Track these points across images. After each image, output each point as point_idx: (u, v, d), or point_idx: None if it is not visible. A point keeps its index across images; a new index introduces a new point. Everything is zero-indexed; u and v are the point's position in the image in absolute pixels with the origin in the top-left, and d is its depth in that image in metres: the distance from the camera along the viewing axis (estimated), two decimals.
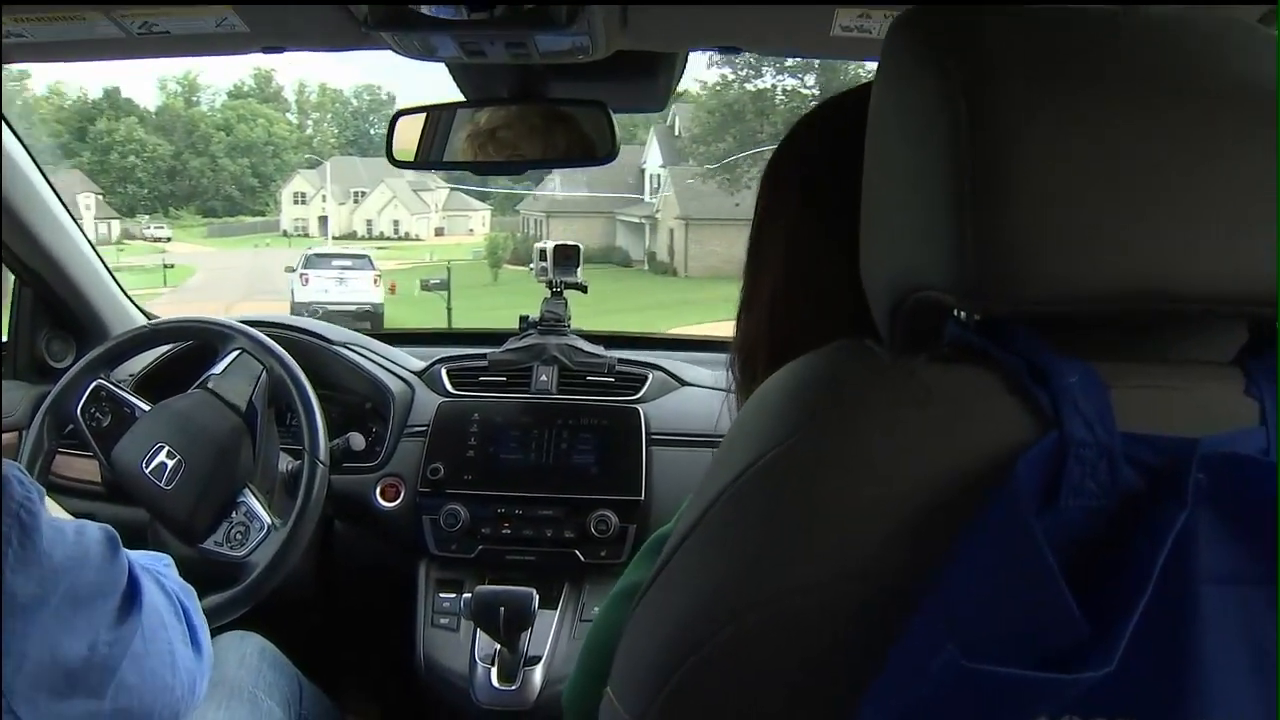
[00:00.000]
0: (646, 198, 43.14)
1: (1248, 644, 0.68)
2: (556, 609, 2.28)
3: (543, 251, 2.53)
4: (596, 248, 38.19)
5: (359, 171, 63.01)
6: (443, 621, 2.29)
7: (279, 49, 1.96)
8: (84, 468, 2.36)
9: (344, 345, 2.50)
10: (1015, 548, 0.66)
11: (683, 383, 2.51)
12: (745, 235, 1.07)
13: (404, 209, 57.39)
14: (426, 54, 1.88)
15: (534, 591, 2.03)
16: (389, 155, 2.13)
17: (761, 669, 0.73)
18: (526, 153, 2.07)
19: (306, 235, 54.86)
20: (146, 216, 61.24)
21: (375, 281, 27.96)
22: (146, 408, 2.21)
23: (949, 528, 0.68)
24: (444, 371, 2.52)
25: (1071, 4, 0.76)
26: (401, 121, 2.14)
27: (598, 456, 2.34)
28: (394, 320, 23.81)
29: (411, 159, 2.17)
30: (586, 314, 2.69)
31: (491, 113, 2.08)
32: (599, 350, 2.51)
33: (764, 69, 38.54)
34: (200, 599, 1.42)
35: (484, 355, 2.53)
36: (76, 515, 1.22)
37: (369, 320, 22.08)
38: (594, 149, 2.04)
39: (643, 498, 2.30)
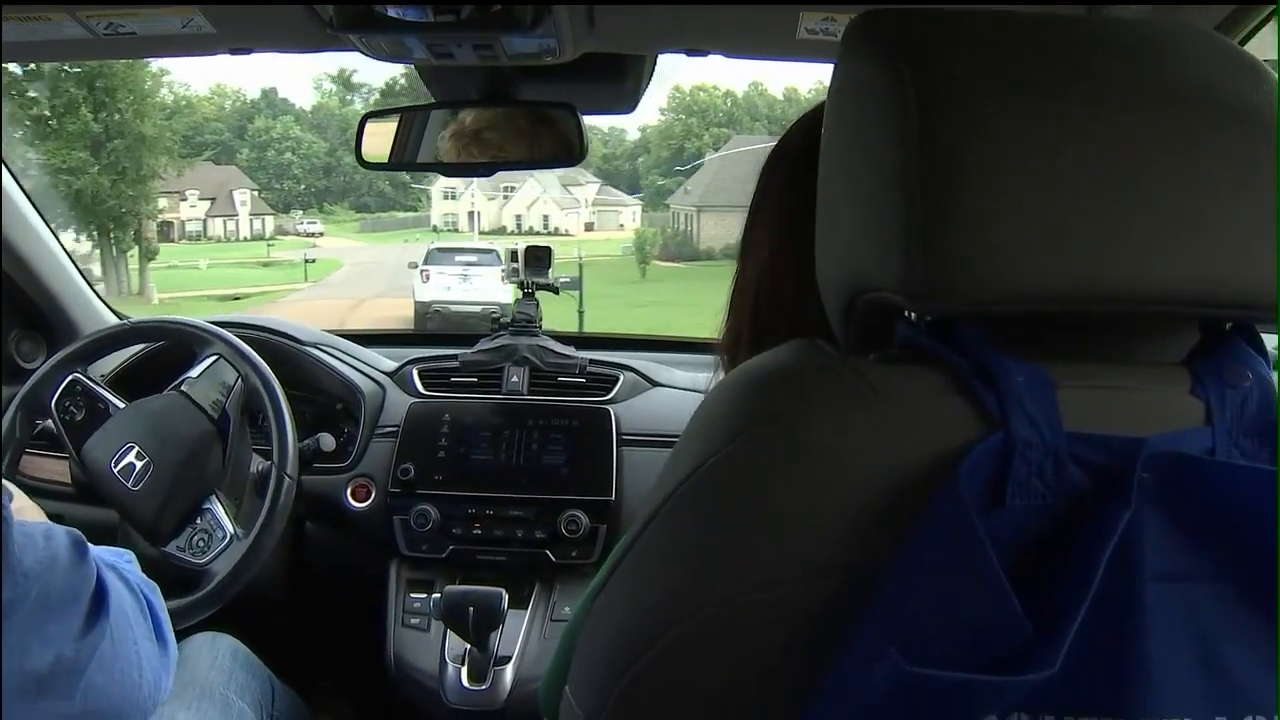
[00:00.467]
0: None
1: (1194, 640, 0.69)
2: (527, 609, 2.28)
3: (514, 253, 2.54)
4: None
5: None
6: (413, 621, 2.29)
7: (246, 50, 1.96)
8: (53, 468, 2.34)
9: (315, 345, 2.49)
10: (959, 548, 0.67)
11: (654, 383, 2.51)
12: None
13: (553, 204, 56.17)
14: (395, 56, 1.88)
15: (503, 591, 2.03)
16: (358, 158, 2.12)
17: (712, 669, 0.73)
18: (511, 154, 2.08)
19: (456, 230, 54.12)
20: (300, 212, 60.86)
21: (503, 278, 25.25)
22: (120, 405, 2.19)
23: (896, 528, 0.69)
24: (415, 372, 2.51)
25: (1040, 4, 0.77)
26: (371, 124, 2.14)
27: (568, 457, 2.35)
28: None
29: (385, 160, 2.17)
30: None
31: (476, 114, 2.08)
32: (570, 351, 2.51)
33: None
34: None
35: (455, 356, 2.53)
36: (46, 516, 1.22)
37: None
38: (565, 150, 2.05)
39: (613, 498, 2.30)
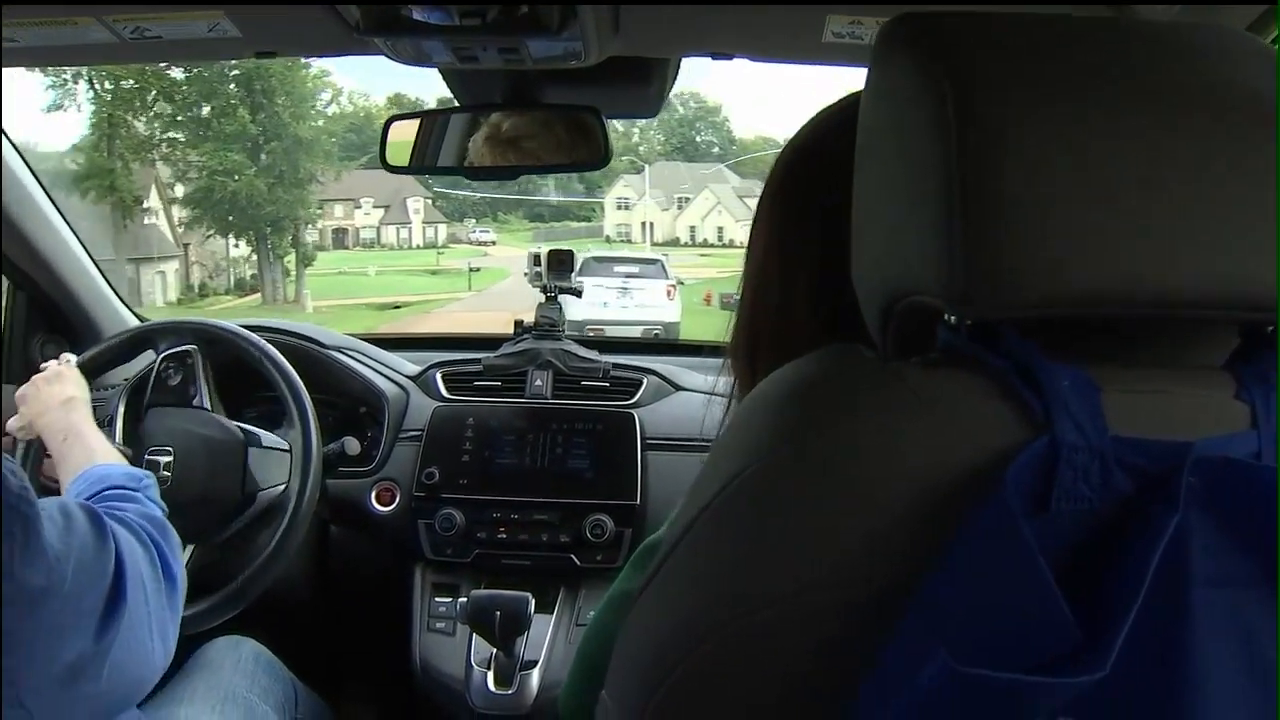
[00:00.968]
0: None
1: (1242, 646, 0.68)
2: (552, 613, 2.28)
3: (537, 257, 2.53)
4: None
5: (682, 176, 61.23)
6: (439, 626, 2.29)
7: (271, 54, 1.96)
8: None
9: (338, 349, 2.49)
10: (1007, 552, 0.66)
11: (677, 387, 2.51)
12: None
13: (728, 215, 55.07)
14: (419, 60, 1.88)
15: (529, 595, 2.03)
16: (382, 161, 2.13)
17: (752, 675, 0.73)
18: (549, 160, 2.08)
19: (629, 241, 53.91)
20: (474, 220, 61.08)
21: (669, 293, 21.50)
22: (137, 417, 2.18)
23: (939, 533, 0.68)
24: (439, 376, 2.51)
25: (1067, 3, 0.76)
26: (396, 126, 2.14)
27: (593, 461, 2.35)
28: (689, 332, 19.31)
29: (406, 164, 2.17)
30: None
31: (513, 121, 2.08)
32: (593, 355, 2.51)
33: None
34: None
35: (478, 360, 2.53)
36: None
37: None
38: (589, 155, 2.05)
39: (638, 502, 2.30)
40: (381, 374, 2.51)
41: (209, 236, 37.45)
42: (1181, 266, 0.69)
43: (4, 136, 2.28)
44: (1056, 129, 0.69)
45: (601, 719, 0.83)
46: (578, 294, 2.57)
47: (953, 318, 0.77)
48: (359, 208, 56.75)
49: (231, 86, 34.75)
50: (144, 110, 34.08)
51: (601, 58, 1.82)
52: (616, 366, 2.51)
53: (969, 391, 0.72)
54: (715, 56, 1.87)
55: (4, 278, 2.55)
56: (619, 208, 58.00)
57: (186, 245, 37.85)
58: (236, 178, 34.57)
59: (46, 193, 2.49)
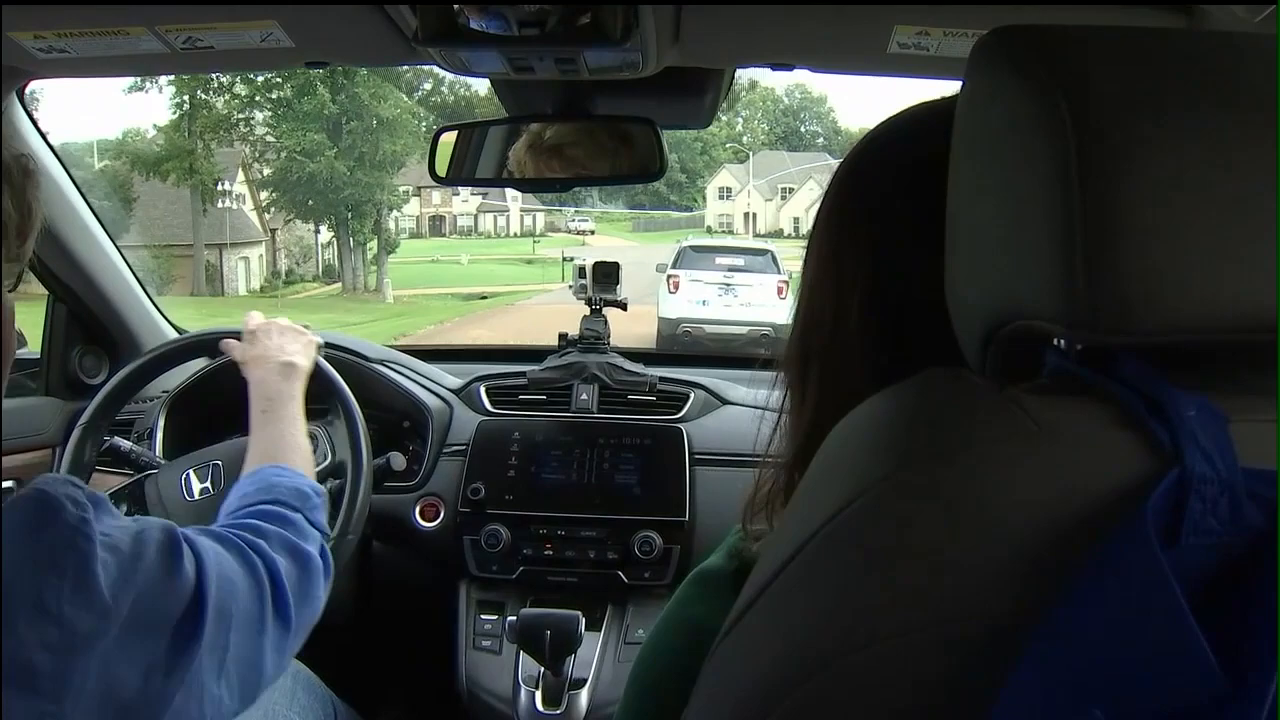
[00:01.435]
0: None
1: None
2: (600, 631, 2.25)
3: (582, 269, 2.50)
4: None
5: (786, 166, 60.46)
6: (485, 644, 2.26)
7: (323, 64, 1.94)
8: (117, 484, 2.31)
9: (381, 362, 2.46)
10: (1142, 588, 0.63)
11: (724, 401, 2.48)
12: None
13: None
14: (472, 70, 1.86)
15: (580, 614, 2.00)
16: (431, 172, 2.10)
17: (860, 711, 0.70)
18: (593, 171, 2.06)
19: (730, 231, 53.09)
20: (573, 209, 59.99)
21: (780, 291, 17.65)
22: (161, 461, 2.15)
23: (1062, 565, 0.65)
24: (483, 389, 2.49)
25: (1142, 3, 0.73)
26: (444, 137, 2.12)
27: (641, 477, 2.32)
28: None
29: (445, 174, 2.15)
30: None
31: (556, 129, 2.06)
32: (639, 368, 2.48)
33: None
34: None
35: (523, 373, 2.50)
36: None
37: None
38: (647, 167, 2.02)
39: (687, 518, 2.27)
40: (425, 387, 2.48)
41: (289, 221, 36.99)
42: None
43: (41, 144, 2.27)
44: (1178, 147, 0.66)
45: None
46: (623, 307, 2.53)
47: (1062, 342, 0.74)
48: (457, 194, 56.50)
49: None
50: (223, 90, 33.80)
51: (659, 68, 1.80)
52: (663, 380, 2.48)
53: (1091, 421, 0.69)
54: (775, 68, 1.85)
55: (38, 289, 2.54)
56: (721, 197, 57.03)
57: (274, 231, 37.52)
58: (316, 159, 33.81)
59: (86, 201, 2.47)
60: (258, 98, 34.36)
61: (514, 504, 2.31)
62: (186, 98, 32.60)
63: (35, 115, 2.28)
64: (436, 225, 57.27)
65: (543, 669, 2.09)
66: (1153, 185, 0.66)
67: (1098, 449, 0.68)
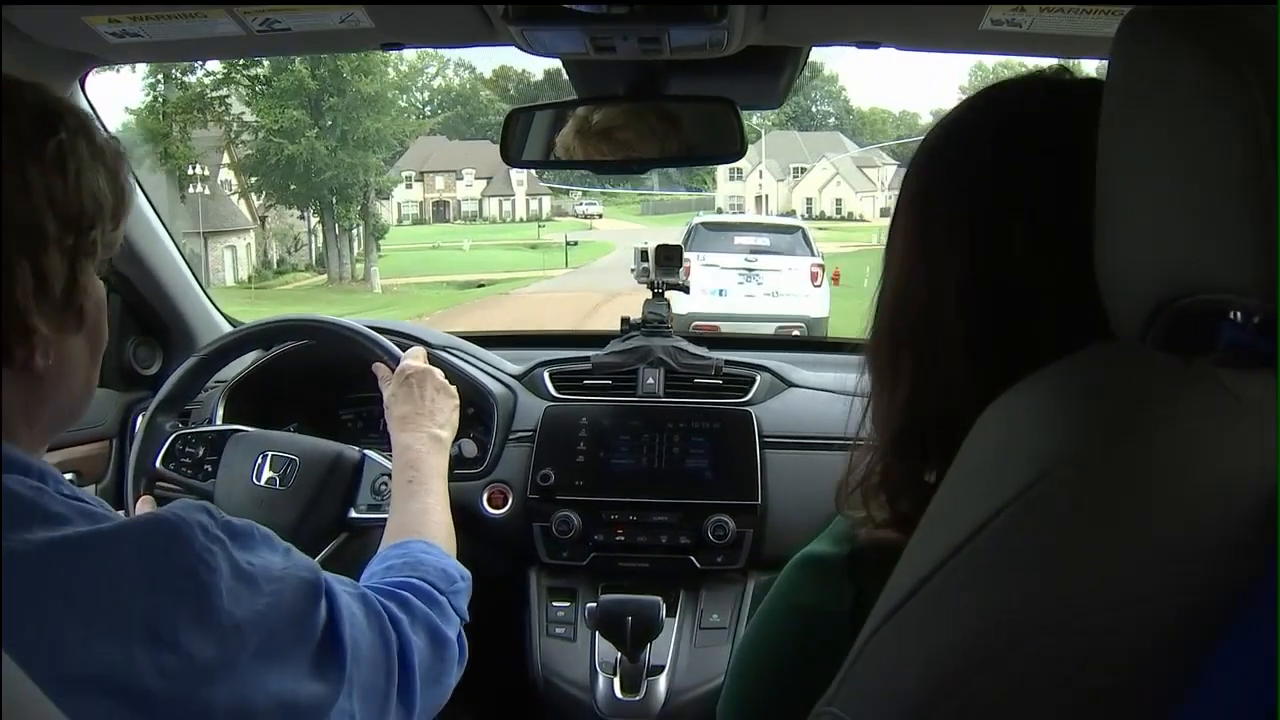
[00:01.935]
0: None
1: None
2: (675, 617, 2.23)
3: (644, 252, 2.48)
4: None
5: (799, 146, 59.75)
6: (558, 631, 2.25)
7: (399, 46, 1.93)
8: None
9: (444, 349, 2.44)
10: None
11: (790, 384, 2.46)
12: None
13: (847, 186, 53.25)
14: (552, 50, 1.85)
15: (660, 600, 2.00)
16: (504, 156, 2.08)
17: (1049, 698, 0.69)
18: (642, 153, 2.03)
19: (742, 213, 50.52)
20: (580, 192, 59.03)
21: (815, 277, 15.05)
22: (236, 429, 2.15)
23: (1261, 545, 0.65)
24: (546, 374, 2.47)
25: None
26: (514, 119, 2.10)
27: (711, 460, 2.30)
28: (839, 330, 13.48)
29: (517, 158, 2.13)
30: None
31: (605, 113, 2.04)
32: (704, 352, 2.46)
33: None
34: None
35: (587, 358, 2.48)
36: None
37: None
38: (719, 147, 2.00)
39: (760, 501, 2.25)
40: (487, 374, 2.46)
41: (270, 207, 35.65)
42: None
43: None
44: None
45: None
46: (685, 290, 2.50)
47: (1238, 315, 0.73)
48: (460, 179, 56.24)
49: None
50: (197, 67, 31.81)
51: (741, 47, 1.78)
52: (729, 363, 2.46)
53: None
54: (861, 46, 1.83)
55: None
56: (731, 178, 55.91)
57: (263, 218, 36.35)
58: (295, 140, 32.26)
59: (142, 189, 2.45)
60: (234, 74, 32.68)
61: (584, 490, 2.29)
62: (160, 77, 30.90)
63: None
64: (440, 211, 56.95)
65: (619, 656, 2.08)
66: None
67: None
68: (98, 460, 2.50)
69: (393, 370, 1.96)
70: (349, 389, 2.52)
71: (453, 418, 1.93)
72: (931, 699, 0.71)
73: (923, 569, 0.74)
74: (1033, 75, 0.97)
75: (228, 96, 32.93)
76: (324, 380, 2.51)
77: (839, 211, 53.21)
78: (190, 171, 31.98)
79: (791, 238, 16.20)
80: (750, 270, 14.96)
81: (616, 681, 2.11)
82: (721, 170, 53.71)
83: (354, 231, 34.85)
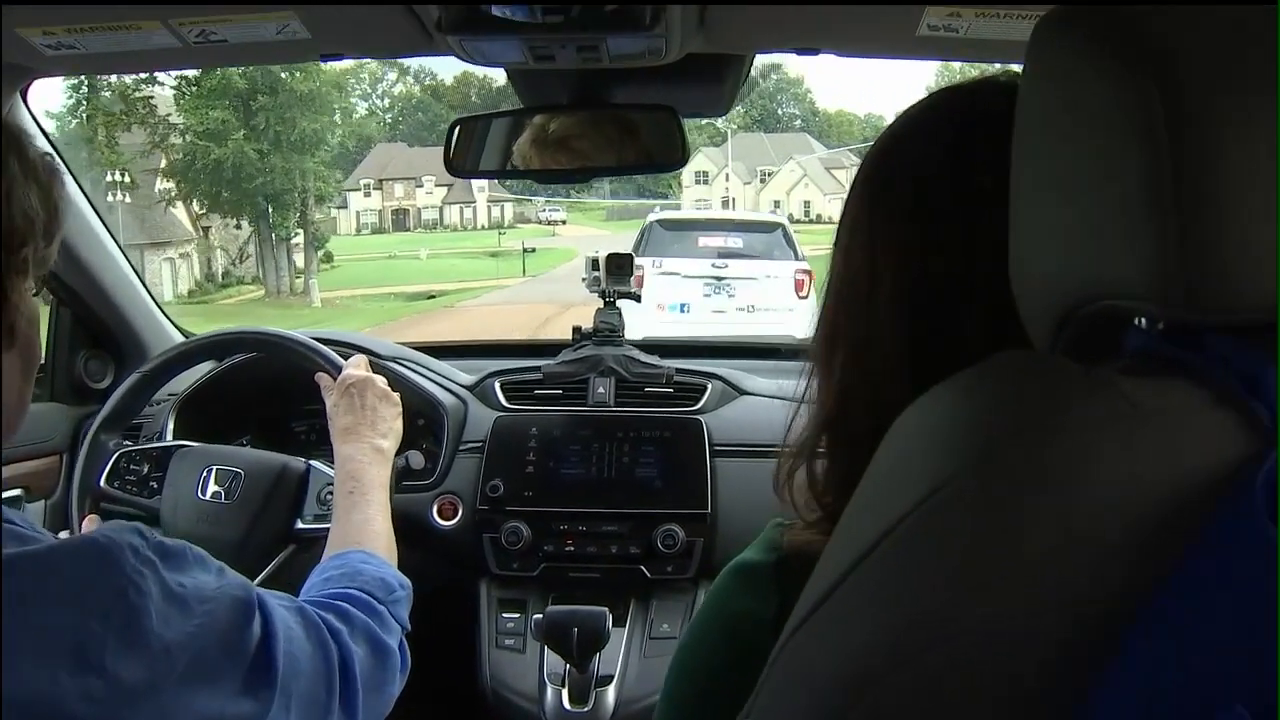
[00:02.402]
0: None
1: None
2: (625, 626, 2.22)
3: (595, 261, 2.47)
4: None
5: (766, 148, 59.38)
6: (508, 642, 2.24)
7: (339, 56, 1.92)
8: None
9: (395, 360, 2.43)
10: (1254, 564, 0.62)
11: (742, 391, 2.46)
12: None
13: (815, 188, 52.56)
14: (492, 60, 1.85)
15: (607, 611, 1.99)
16: (447, 165, 2.08)
17: (952, 704, 0.69)
18: (599, 162, 2.03)
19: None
20: (544, 199, 58.15)
21: (800, 286, 12.36)
22: (183, 444, 2.15)
23: (1164, 549, 0.64)
24: (497, 385, 2.46)
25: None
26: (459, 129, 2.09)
27: (661, 469, 2.29)
28: None
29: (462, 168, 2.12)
30: None
31: (561, 122, 2.03)
32: (656, 360, 2.46)
33: None
34: None
35: (538, 368, 2.47)
36: None
37: None
38: (663, 156, 2.00)
39: (709, 510, 2.25)
40: (439, 384, 2.46)
41: (202, 215, 33.70)
42: None
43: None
44: (1263, 122, 0.65)
45: None
46: (637, 299, 2.50)
47: (1144, 321, 0.74)
48: (420, 186, 55.77)
49: None
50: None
51: (681, 55, 1.78)
52: (680, 371, 2.46)
53: (1188, 400, 0.68)
54: (800, 52, 1.83)
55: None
56: (697, 182, 55.11)
57: (206, 229, 34.91)
58: (222, 143, 30.12)
59: (90, 201, 2.44)
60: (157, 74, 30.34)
61: (534, 500, 2.28)
62: (83, 78, 28.34)
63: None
64: (400, 219, 56.72)
65: (568, 666, 2.07)
66: (1242, 161, 0.65)
67: (1198, 429, 0.67)
68: (48, 475, 2.48)
69: (335, 379, 1.95)
70: (301, 401, 2.50)
71: (395, 426, 1.93)
72: (843, 704, 0.71)
73: (833, 575, 0.74)
74: (984, 79, 0.98)
75: (152, 98, 30.80)
76: (275, 392, 2.49)
77: (807, 214, 52.74)
78: (113, 178, 30.62)
79: (769, 237, 13.47)
80: (719, 279, 12.41)
81: (565, 692, 2.11)
82: (687, 174, 53.18)
83: (292, 241, 33.33)
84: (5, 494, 2.28)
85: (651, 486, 2.28)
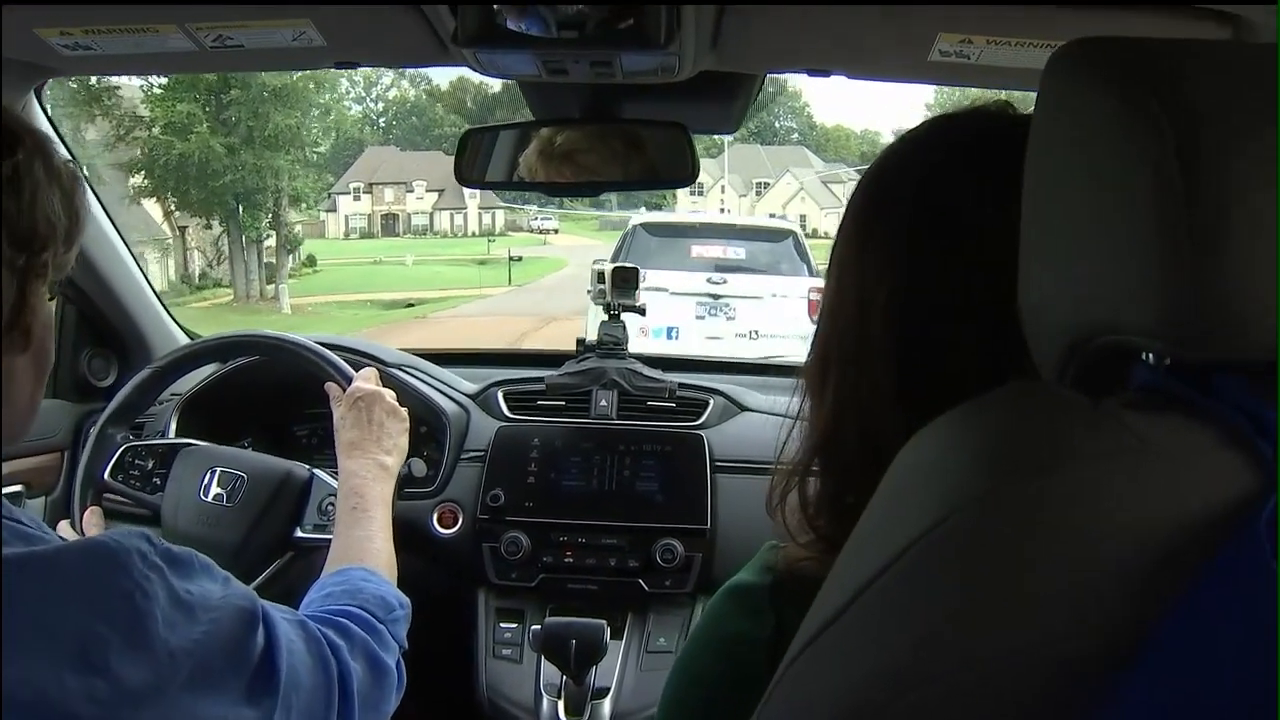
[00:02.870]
0: None
1: None
2: (622, 639, 2.23)
3: (601, 274, 2.47)
4: None
5: (762, 160, 58.97)
6: (505, 653, 2.24)
7: (353, 65, 1.93)
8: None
9: (398, 367, 2.44)
10: (1258, 605, 0.62)
11: (743, 408, 2.46)
12: None
13: (812, 202, 51.82)
14: (505, 72, 1.85)
15: (605, 624, 1.99)
16: (457, 174, 2.08)
17: None
18: (605, 176, 2.04)
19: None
20: (535, 207, 57.20)
21: (814, 308, 8.43)
22: (189, 443, 2.15)
23: (1167, 585, 0.64)
24: (500, 394, 2.47)
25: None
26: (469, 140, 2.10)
27: (662, 484, 2.30)
28: None
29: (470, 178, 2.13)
30: None
31: (568, 135, 2.04)
32: (659, 374, 2.46)
33: None
34: None
35: (541, 378, 2.48)
36: None
37: None
38: (672, 171, 2.01)
39: (709, 526, 2.25)
40: (441, 392, 2.46)
41: (170, 214, 31.84)
42: None
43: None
44: (1268, 160, 0.65)
45: None
46: (641, 312, 2.50)
47: (1151, 357, 0.73)
48: (411, 191, 55.14)
49: None
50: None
51: (694, 73, 1.79)
52: (682, 386, 2.47)
53: (1194, 437, 0.68)
54: (812, 73, 1.84)
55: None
56: (692, 193, 52.29)
57: (183, 229, 33.59)
58: (186, 137, 28.26)
59: (99, 199, 2.45)
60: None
61: (534, 511, 2.29)
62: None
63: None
64: (389, 224, 56.33)
65: (565, 678, 2.07)
66: (1254, 199, 0.65)
67: (1204, 467, 0.67)
68: (49, 472, 2.49)
69: (344, 390, 1.95)
70: (304, 405, 2.51)
71: (400, 442, 1.93)
72: None
73: (835, 604, 0.74)
74: (978, 108, 0.99)
75: (118, 88, 28.87)
76: (279, 396, 2.50)
77: (804, 227, 50.93)
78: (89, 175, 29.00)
79: (777, 247, 11.42)
80: (715, 298, 10.44)
81: (561, 704, 2.11)
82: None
83: (265, 243, 31.97)
84: (6, 490, 2.29)
85: (652, 500, 2.29)
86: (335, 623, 1.37)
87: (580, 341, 2.52)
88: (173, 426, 2.35)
